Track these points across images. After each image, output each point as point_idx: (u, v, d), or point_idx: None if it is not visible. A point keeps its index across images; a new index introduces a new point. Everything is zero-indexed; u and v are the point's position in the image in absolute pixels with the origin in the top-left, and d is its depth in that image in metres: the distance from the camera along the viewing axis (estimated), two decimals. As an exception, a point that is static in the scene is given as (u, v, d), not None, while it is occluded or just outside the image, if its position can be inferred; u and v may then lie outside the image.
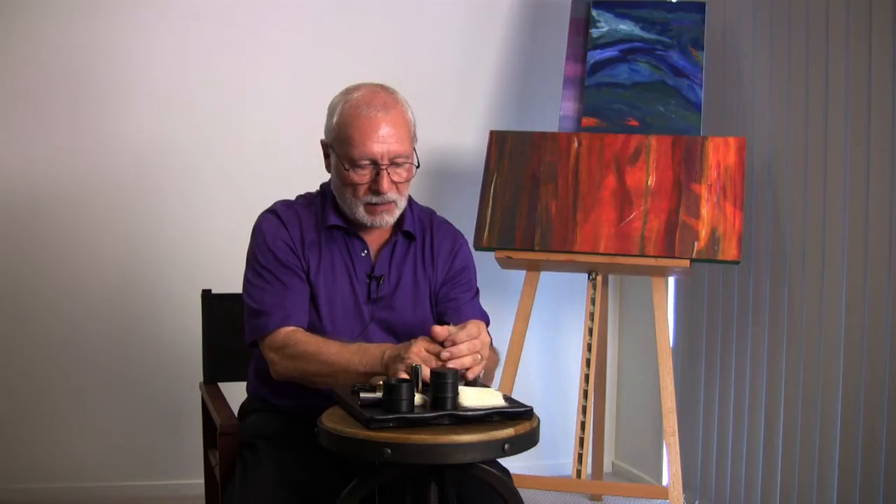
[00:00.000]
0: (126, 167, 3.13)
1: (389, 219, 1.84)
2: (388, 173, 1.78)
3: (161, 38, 3.15)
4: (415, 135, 1.86)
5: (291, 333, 1.76)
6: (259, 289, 1.82)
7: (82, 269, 3.12)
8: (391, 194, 1.80)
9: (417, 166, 1.85)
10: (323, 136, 1.88)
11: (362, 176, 1.79)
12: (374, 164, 1.78)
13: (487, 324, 1.96)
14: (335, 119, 1.81)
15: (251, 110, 3.23)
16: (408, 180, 1.83)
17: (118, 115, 3.12)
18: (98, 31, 3.09)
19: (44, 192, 3.08)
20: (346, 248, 1.88)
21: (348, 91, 1.84)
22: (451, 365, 1.56)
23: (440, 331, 1.58)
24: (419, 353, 1.57)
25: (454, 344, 1.58)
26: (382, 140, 1.77)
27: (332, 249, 1.87)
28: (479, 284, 2.04)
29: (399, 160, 1.79)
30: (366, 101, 1.79)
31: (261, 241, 1.86)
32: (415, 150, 1.85)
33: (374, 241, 1.90)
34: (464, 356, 1.58)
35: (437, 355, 1.57)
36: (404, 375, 1.55)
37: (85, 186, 3.11)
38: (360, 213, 1.82)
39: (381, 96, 1.80)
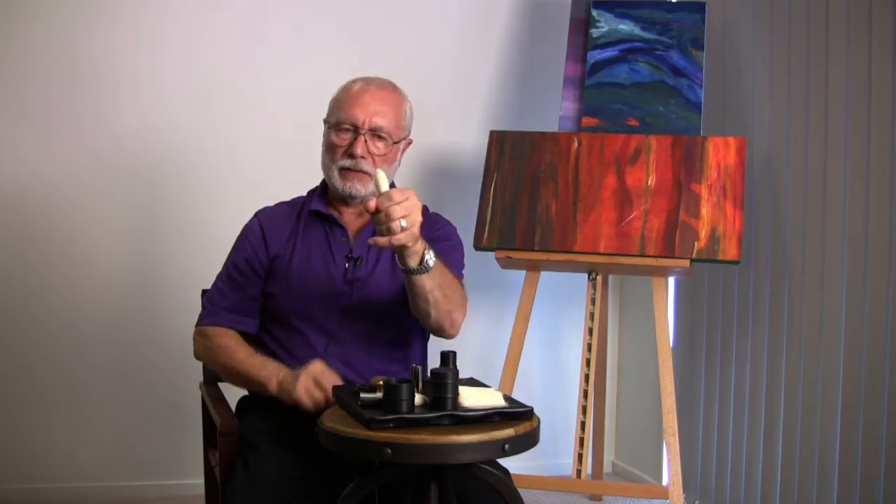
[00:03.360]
0: (126, 166, 3.13)
1: (360, 188, 1.90)
2: (366, 141, 1.87)
3: (162, 37, 3.15)
4: (406, 126, 1.96)
5: (218, 330, 1.93)
6: (214, 284, 2.01)
7: (82, 269, 3.11)
8: (365, 163, 1.87)
9: (409, 142, 1.97)
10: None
11: (342, 139, 1.89)
12: (355, 129, 1.88)
13: (461, 279, 1.93)
14: (335, 95, 1.95)
15: (251, 110, 3.23)
16: (385, 155, 1.90)
17: (118, 115, 3.12)
18: (99, 29, 3.09)
19: (43, 193, 3.08)
20: (325, 236, 1.95)
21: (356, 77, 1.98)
22: (393, 226, 1.57)
23: (371, 204, 1.59)
24: (307, 390, 1.70)
25: (390, 202, 1.57)
26: (365, 106, 1.87)
27: (309, 237, 1.95)
28: (479, 285, 2.04)
29: (381, 133, 1.88)
30: (364, 79, 1.94)
31: (236, 242, 2.01)
32: (404, 138, 1.95)
33: (354, 227, 1.96)
34: (398, 215, 1.57)
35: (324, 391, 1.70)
36: (303, 400, 1.69)
37: (84, 186, 3.11)
38: (335, 179, 1.91)
39: (380, 79, 1.95)
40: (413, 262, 1.66)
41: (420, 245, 1.65)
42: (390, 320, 1.91)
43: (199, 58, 3.18)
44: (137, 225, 3.16)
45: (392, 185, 1.85)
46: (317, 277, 1.90)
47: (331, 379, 1.71)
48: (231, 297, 1.95)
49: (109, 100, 3.12)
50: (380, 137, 1.88)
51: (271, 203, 2.08)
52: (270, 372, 1.79)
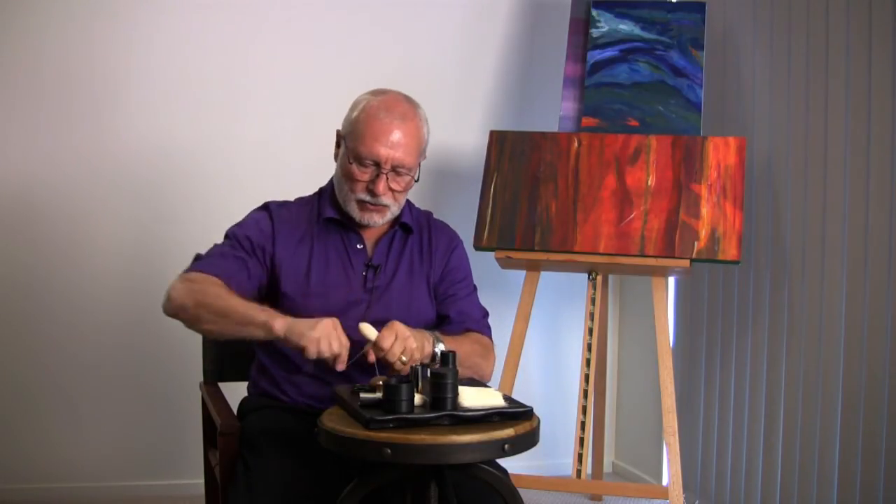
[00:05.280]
0: (125, 168, 3.13)
1: (378, 219, 1.91)
2: (388, 178, 1.85)
3: (161, 39, 3.15)
4: (424, 151, 1.93)
5: (208, 276, 1.80)
6: (213, 245, 1.91)
7: (81, 271, 3.12)
8: (385, 198, 1.87)
9: (416, 180, 1.92)
10: (340, 127, 1.94)
11: (363, 173, 1.86)
12: (377, 165, 1.85)
13: (485, 316, 2.03)
14: (354, 114, 1.89)
15: (252, 111, 3.23)
16: (405, 190, 1.91)
17: (116, 117, 3.12)
18: (95, 29, 3.09)
19: (42, 194, 3.08)
20: (342, 242, 1.94)
21: (375, 92, 1.92)
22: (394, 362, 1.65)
23: (371, 358, 1.67)
24: (329, 337, 1.62)
25: (383, 351, 1.64)
26: (391, 146, 1.84)
27: (326, 243, 1.93)
28: (479, 285, 2.05)
29: (401, 170, 1.87)
30: (386, 106, 1.86)
31: (242, 221, 1.96)
32: (419, 165, 1.92)
33: (370, 234, 1.96)
34: (396, 356, 1.64)
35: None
36: (310, 353, 1.62)
37: (83, 187, 3.11)
38: (352, 208, 1.90)
39: (403, 106, 1.88)
40: (427, 359, 1.72)
41: (428, 348, 1.71)
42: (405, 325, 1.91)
43: (197, 57, 3.18)
44: (136, 225, 3.16)
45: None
46: (336, 285, 1.89)
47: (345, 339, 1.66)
48: (228, 259, 1.86)
49: (109, 101, 3.12)
50: (401, 173, 1.87)
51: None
52: (273, 314, 1.69)
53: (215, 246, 1.92)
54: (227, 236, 1.94)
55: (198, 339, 2.23)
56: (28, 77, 3.05)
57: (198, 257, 1.89)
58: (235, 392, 2.08)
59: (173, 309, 1.80)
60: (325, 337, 1.63)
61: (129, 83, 3.13)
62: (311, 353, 1.62)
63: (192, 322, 1.80)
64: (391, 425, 1.43)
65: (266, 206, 1.98)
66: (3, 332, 3.07)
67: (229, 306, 1.72)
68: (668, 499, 2.57)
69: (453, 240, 2.04)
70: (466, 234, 2.32)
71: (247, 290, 1.84)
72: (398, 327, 1.66)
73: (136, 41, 3.12)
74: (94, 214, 3.12)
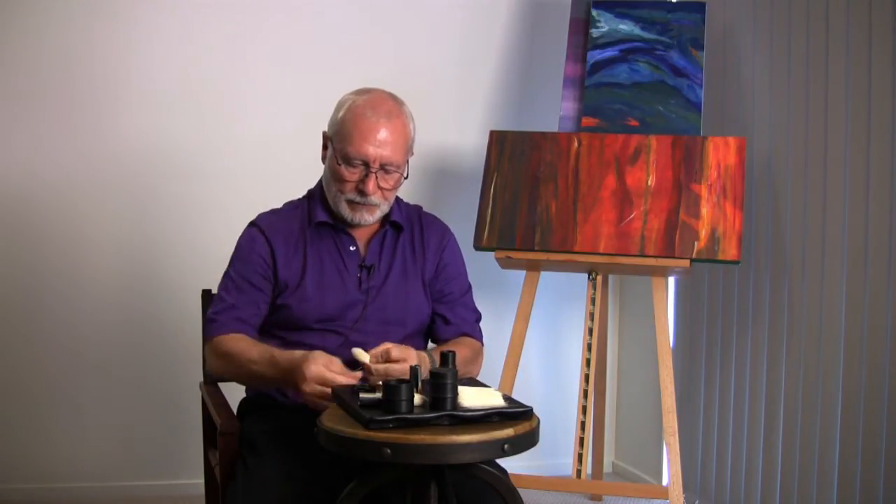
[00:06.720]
0: (124, 168, 3.13)
1: (369, 217, 1.91)
2: (377, 177, 1.86)
3: (160, 39, 3.14)
4: (411, 148, 1.94)
5: (225, 338, 1.87)
6: (220, 297, 1.94)
7: (82, 271, 3.12)
8: (374, 197, 1.88)
9: (405, 177, 1.93)
10: (326, 128, 1.94)
11: (352, 174, 1.87)
12: (366, 165, 1.86)
13: (478, 320, 2.03)
14: (340, 114, 1.89)
15: (251, 111, 3.23)
16: (394, 188, 1.91)
17: (116, 116, 3.12)
18: (97, 31, 3.09)
19: (43, 194, 3.08)
20: (335, 245, 1.94)
21: (360, 92, 1.92)
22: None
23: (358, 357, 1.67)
24: (313, 392, 1.64)
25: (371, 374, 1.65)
26: (378, 145, 1.84)
27: (319, 247, 1.94)
28: (479, 284, 2.05)
29: (390, 168, 1.87)
30: (372, 105, 1.86)
31: (237, 254, 1.96)
32: (407, 162, 1.92)
33: (362, 234, 1.97)
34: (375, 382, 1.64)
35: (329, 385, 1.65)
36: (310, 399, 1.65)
37: (84, 187, 3.11)
38: (342, 208, 1.90)
39: (388, 104, 1.88)
40: None
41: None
42: (401, 324, 1.92)
43: (197, 57, 3.17)
44: (137, 224, 3.16)
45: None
46: (332, 288, 1.90)
47: (331, 372, 1.66)
48: (240, 308, 1.90)
49: (109, 101, 3.12)
50: (389, 172, 1.87)
51: (267, 204, 2.05)
52: (279, 375, 1.74)
53: (225, 295, 1.92)
54: (230, 276, 1.94)
55: (198, 339, 2.23)
56: (28, 77, 3.05)
57: (210, 307, 1.95)
58: (235, 392, 2.08)
59: (217, 377, 2.03)
60: (314, 397, 1.65)
61: (129, 83, 3.13)
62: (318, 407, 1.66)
63: (238, 383, 1.98)
64: (391, 425, 1.43)
65: (255, 224, 1.97)
66: (4, 331, 3.08)
67: (249, 374, 1.82)
68: (668, 499, 2.57)
69: (445, 235, 2.04)
70: (466, 234, 2.32)
71: (259, 321, 1.94)
72: (396, 372, 1.64)
73: (136, 41, 3.13)
74: (94, 214, 3.12)
